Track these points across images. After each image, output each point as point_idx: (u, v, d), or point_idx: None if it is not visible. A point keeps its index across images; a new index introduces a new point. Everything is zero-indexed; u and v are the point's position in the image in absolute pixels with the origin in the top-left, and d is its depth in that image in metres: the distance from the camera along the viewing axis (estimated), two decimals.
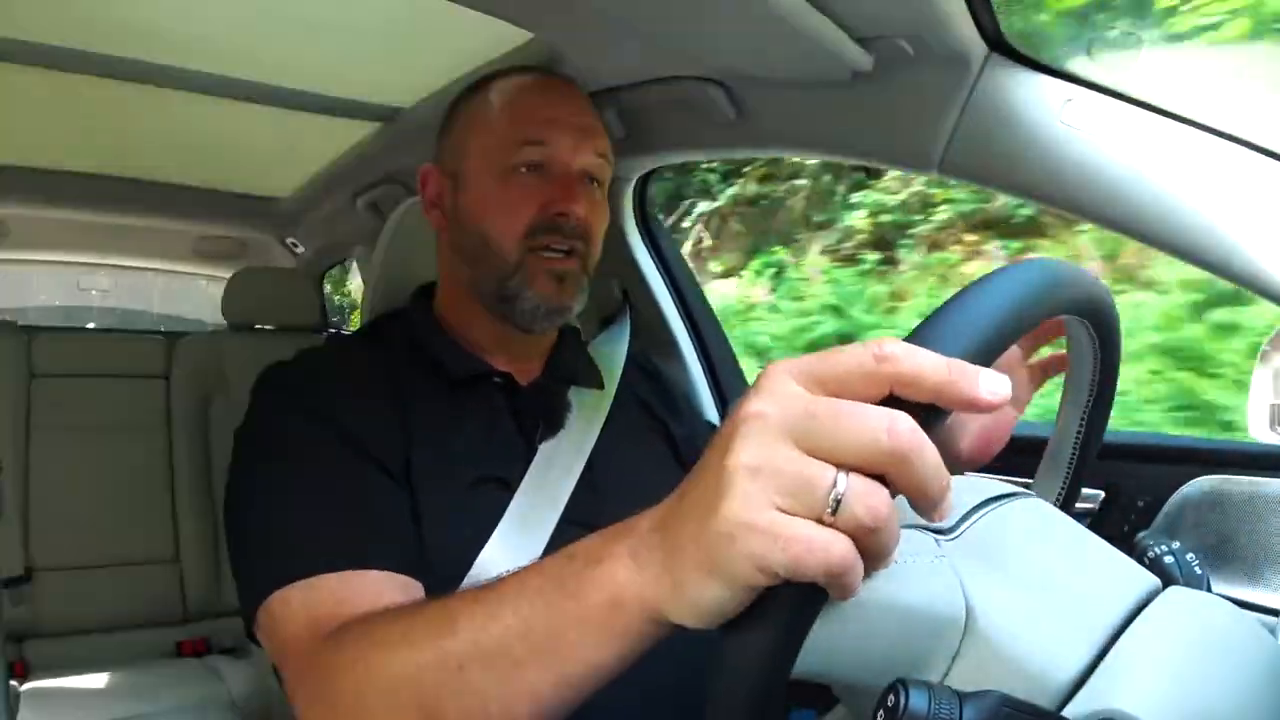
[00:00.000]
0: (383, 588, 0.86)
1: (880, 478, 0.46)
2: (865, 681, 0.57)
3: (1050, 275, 0.61)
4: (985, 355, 0.50)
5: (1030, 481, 0.88)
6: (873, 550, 0.46)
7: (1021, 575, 0.59)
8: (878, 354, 0.46)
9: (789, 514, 0.46)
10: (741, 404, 0.49)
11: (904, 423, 0.45)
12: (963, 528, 0.61)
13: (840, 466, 0.45)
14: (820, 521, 0.45)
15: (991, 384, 0.46)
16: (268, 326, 2.61)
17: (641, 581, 0.53)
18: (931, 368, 0.46)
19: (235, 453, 1.03)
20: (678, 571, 0.50)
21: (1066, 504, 0.88)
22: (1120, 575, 0.65)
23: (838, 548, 0.45)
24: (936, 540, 0.61)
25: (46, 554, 2.28)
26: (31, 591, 2.26)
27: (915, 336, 0.50)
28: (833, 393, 0.47)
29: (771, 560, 0.45)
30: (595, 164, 1.14)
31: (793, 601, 0.47)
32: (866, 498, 0.45)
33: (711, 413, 1.87)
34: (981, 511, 0.63)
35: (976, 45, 1.11)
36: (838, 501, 0.45)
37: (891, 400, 0.46)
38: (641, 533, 0.54)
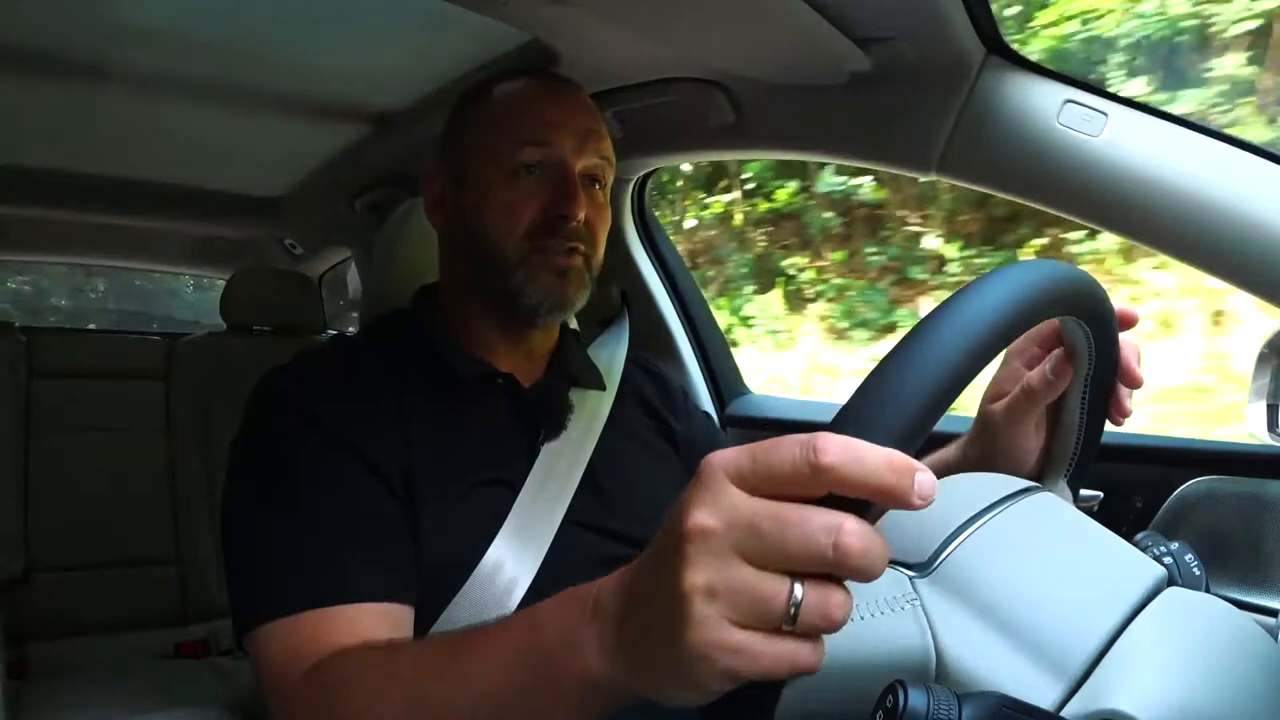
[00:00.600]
0: (369, 621, 0.88)
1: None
2: None
3: (1012, 289, 0.60)
4: (933, 416, 0.51)
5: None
6: (829, 633, 0.48)
7: (1001, 607, 0.58)
8: (814, 463, 0.46)
9: (748, 628, 0.47)
10: (685, 511, 0.49)
11: (848, 529, 0.46)
12: (939, 559, 0.61)
13: (791, 575, 0.47)
14: (779, 629, 0.47)
15: (923, 488, 0.46)
16: (266, 328, 2.61)
17: (614, 672, 0.55)
18: (871, 476, 0.46)
19: (230, 465, 1.02)
20: (650, 676, 0.52)
21: (1074, 482, 0.88)
22: (1122, 573, 0.65)
23: (800, 653, 0.48)
24: (911, 578, 0.60)
25: (46, 555, 2.27)
26: (31, 592, 2.26)
27: (852, 413, 0.51)
28: (772, 495, 0.47)
29: (741, 673, 0.48)
30: (597, 165, 1.13)
31: (761, 690, 0.50)
32: (822, 606, 0.47)
33: (707, 410, 1.88)
34: (963, 535, 0.62)
35: (975, 48, 1.11)
36: (796, 608, 0.47)
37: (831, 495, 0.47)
38: (608, 624, 0.56)
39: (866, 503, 0.47)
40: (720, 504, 0.48)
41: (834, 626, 0.47)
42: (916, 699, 0.49)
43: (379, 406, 1.03)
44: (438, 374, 1.10)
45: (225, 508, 1.01)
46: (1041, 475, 0.89)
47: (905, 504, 0.46)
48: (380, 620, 0.89)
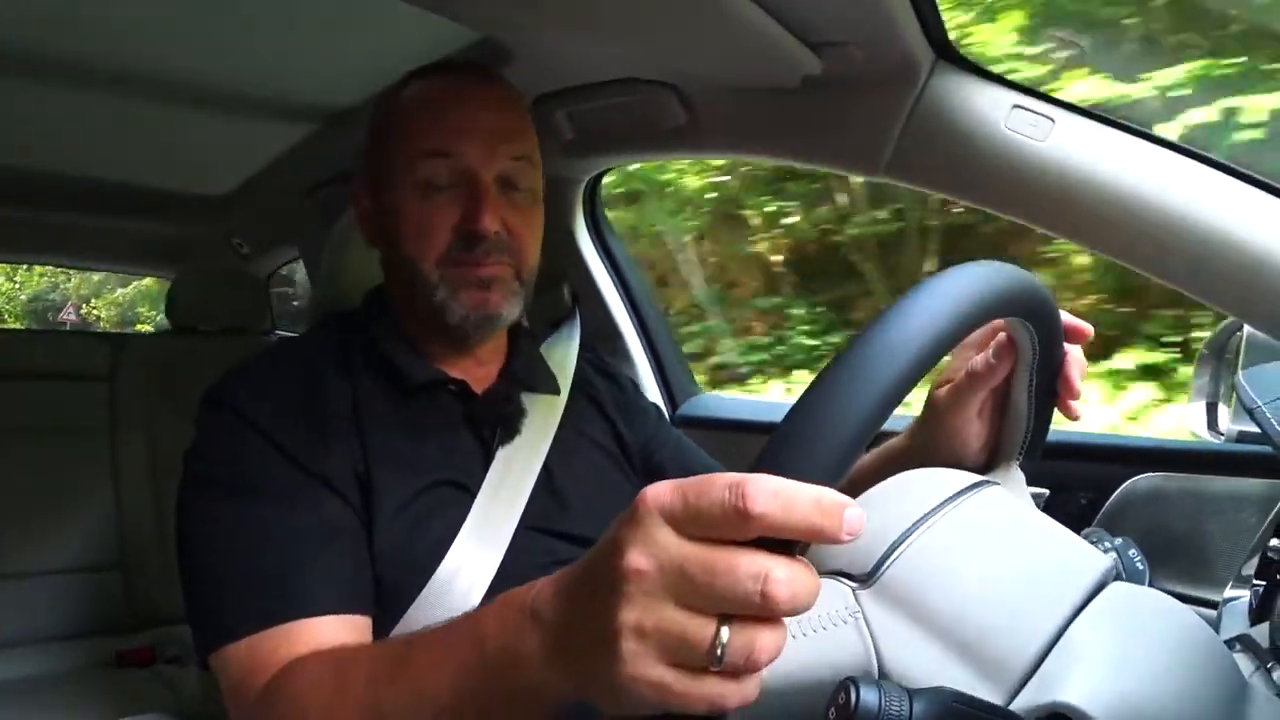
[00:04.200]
0: (328, 633, 0.89)
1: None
2: None
3: (945, 303, 0.59)
4: (859, 446, 0.51)
5: None
6: (757, 671, 0.49)
7: (942, 616, 0.59)
8: (741, 510, 0.46)
9: (676, 667, 0.49)
10: (621, 548, 0.50)
11: (774, 577, 0.46)
12: (882, 570, 0.61)
13: (720, 618, 0.48)
14: (705, 669, 0.48)
15: (852, 523, 0.47)
16: (213, 328, 2.57)
17: (556, 680, 0.56)
18: (799, 519, 0.46)
19: (184, 479, 1.01)
20: (587, 689, 0.54)
21: (1025, 466, 0.89)
22: (1068, 567, 0.66)
23: (724, 690, 0.49)
24: (853, 589, 0.61)
25: None
26: None
27: (777, 454, 0.51)
28: (703, 536, 0.48)
29: (665, 708, 0.49)
30: (512, 168, 1.07)
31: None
32: (747, 649, 0.48)
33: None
34: (905, 543, 0.62)
35: (924, 52, 1.13)
36: (722, 649, 0.47)
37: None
38: (546, 628, 0.57)
39: (795, 545, 0.48)
40: (653, 545, 0.49)
41: (759, 667, 0.48)
42: (868, 696, 0.49)
43: (330, 414, 1.02)
44: (390, 379, 1.09)
45: (180, 524, 1.00)
46: (993, 460, 0.90)
47: (834, 541, 0.47)
48: (339, 631, 0.90)
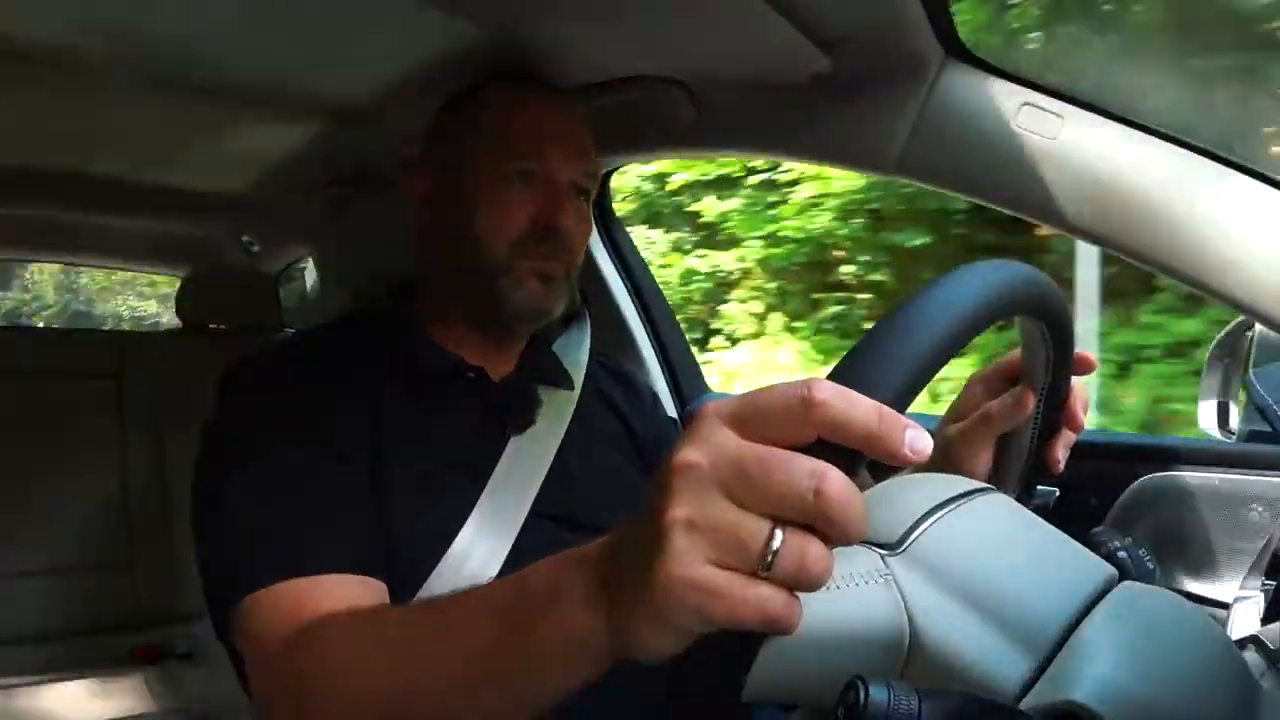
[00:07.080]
0: (348, 591, 0.89)
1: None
2: (812, 701, 0.58)
3: (996, 278, 0.62)
4: (922, 380, 0.52)
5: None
6: (805, 589, 0.47)
7: (970, 584, 0.59)
8: (806, 399, 0.46)
9: (724, 568, 0.47)
10: (675, 451, 0.49)
11: (831, 480, 0.45)
12: (910, 540, 0.62)
13: (773, 520, 0.46)
14: (755, 573, 0.46)
15: (915, 442, 0.46)
16: (223, 326, 2.58)
17: (593, 623, 0.54)
18: (860, 419, 0.46)
19: (202, 450, 1.04)
20: (626, 618, 0.52)
21: (1021, 501, 0.90)
22: (1077, 568, 0.66)
23: (774, 601, 0.46)
24: (882, 556, 0.61)
25: None
26: None
27: (847, 367, 0.51)
28: (762, 437, 0.47)
29: (711, 614, 0.47)
30: (583, 179, 1.18)
31: (735, 642, 0.49)
32: (800, 557, 0.46)
33: (671, 412, 1.87)
34: (932, 519, 0.64)
35: (934, 49, 1.12)
36: (774, 554, 0.46)
37: (819, 442, 0.47)
38: (592, 570, 0.55)
39: (854, 461, 0.47)
40: (709, 442, 0.48)
41: (810, 579, 0.46)
42: (877, 694, 0.49)
43: (345, 391, 1.05)
44: (409, 366, 1.12)
45: (198, 494, 1.02)
46: None
47: (894, 453, 0.46)
48: (363, 591, 0.91)
